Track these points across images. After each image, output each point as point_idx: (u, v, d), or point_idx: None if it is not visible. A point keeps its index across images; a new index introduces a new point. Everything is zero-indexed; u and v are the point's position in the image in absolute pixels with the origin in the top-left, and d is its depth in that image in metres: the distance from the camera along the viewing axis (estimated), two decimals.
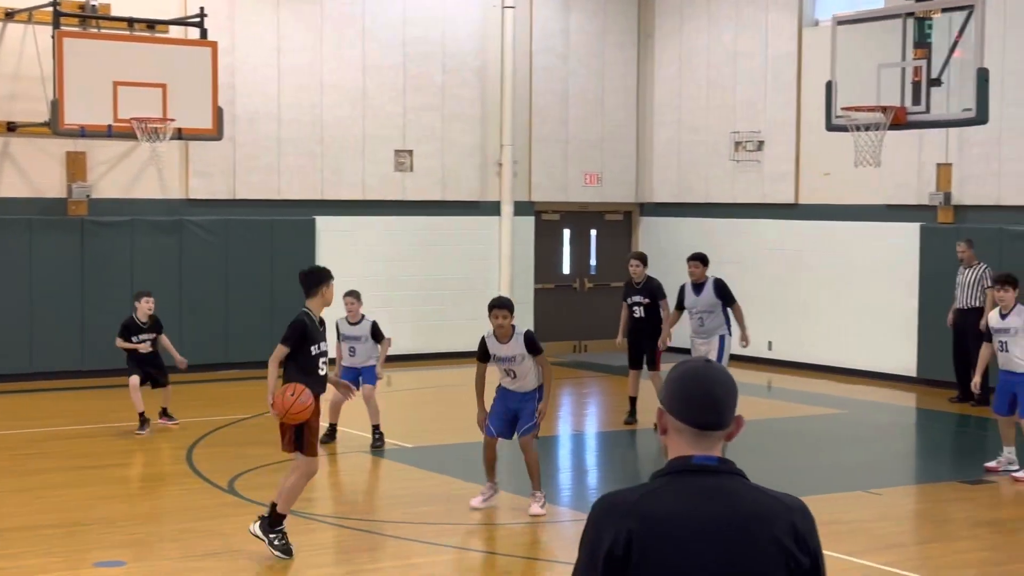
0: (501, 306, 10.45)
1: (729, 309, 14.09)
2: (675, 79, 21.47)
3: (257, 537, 9.17)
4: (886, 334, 18.35)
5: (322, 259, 19.36)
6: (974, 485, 11.94)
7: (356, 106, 19.83)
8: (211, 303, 18.63)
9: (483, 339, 10.58)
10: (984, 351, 12.38)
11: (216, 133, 16.88)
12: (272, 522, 9.14)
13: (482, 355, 10.61)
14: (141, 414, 13.87)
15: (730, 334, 14.09)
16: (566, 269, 22.14)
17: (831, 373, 18.94)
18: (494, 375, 10.63)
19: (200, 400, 16.11)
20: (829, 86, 14.01)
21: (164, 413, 14.28)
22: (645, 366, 14.57)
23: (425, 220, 20.43)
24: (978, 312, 16.14)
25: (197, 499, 11.08)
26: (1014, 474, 12.07)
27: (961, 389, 16.57)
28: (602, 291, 21.74)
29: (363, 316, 13.35)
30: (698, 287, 14.21)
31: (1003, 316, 12.14)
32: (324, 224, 19.58)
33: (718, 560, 3.11)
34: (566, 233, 22.08)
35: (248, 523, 9.39)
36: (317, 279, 9.35)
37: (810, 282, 19.39)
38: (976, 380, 12.45)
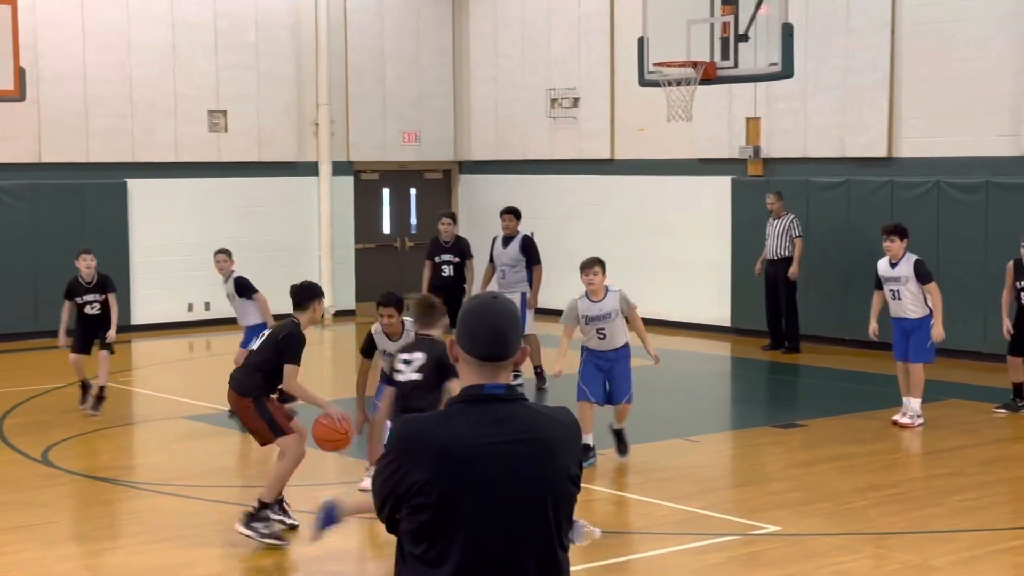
0: (386, 304, 9.54)
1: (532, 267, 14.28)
2: (490, 36, 21.50)
3: (245, 535, 8.55)
4: (701, 286, 18.78)
5: (135, 223, 18.95)
6: (786, 429, 12.34)
7: (166, 64, 19.35)
8: (19, 270, 18.04)
9: (370, 334, 9.73)
10: (876, 299, 12.57)
11: (19, 94, 16.28)
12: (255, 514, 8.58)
13: (367, 349, 9.76)
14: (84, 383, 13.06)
15: (531, 291, 14.29)
16: (387, 229, 22.06)
17: (649, 325, 19.15)
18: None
19: (10, 370, 15.61)
20: (641, 42, 14.18)
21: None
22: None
23: (242, 182, 20.10)
24: (787, 261, 16.66)
25: (10, 471, 10.76)
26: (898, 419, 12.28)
27: (773, 337, 17.09)
28: (423, 250, 21.42)
29: (231, 272, 12.63)
30: (507, 240, 14.42)
31: (892, 265, 12.35)
32: (136, 187, 19.10)
33: (515, 478, 3.37)
34: (386, 192, 21.98)
35: (68, 492, 9.15)
36: (310, 294, 8.86)
37: (627, 237, 19.69)
38: (873, 326, 12.47)
